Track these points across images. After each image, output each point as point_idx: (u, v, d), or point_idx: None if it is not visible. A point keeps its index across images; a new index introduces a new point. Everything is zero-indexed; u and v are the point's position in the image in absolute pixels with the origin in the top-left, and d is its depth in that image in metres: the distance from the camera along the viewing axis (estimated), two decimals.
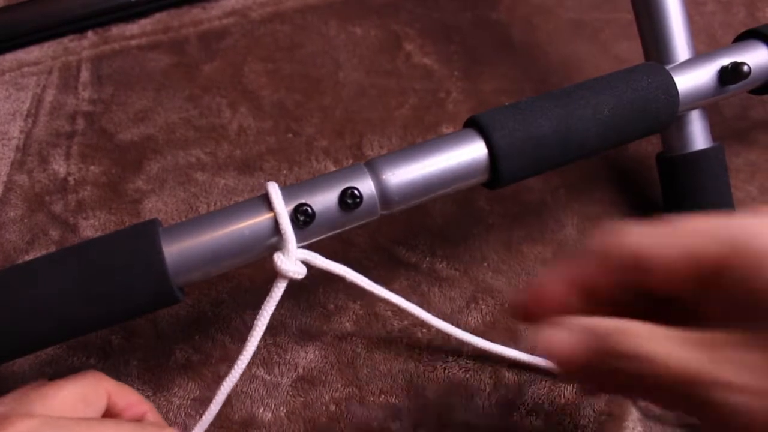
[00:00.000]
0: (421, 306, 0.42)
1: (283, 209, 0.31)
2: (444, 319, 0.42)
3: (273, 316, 0.41)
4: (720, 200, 0.42)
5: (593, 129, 0.35)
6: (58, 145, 0.50)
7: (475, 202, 0.47)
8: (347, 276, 0.35)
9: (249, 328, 0.41)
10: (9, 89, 0.53)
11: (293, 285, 0.43)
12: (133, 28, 0.57)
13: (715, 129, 0.43)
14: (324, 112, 0.51)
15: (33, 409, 0.27)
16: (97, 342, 0.41)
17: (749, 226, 0.23)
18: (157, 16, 0.58)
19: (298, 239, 0.32)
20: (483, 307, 0.42)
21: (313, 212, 0.32)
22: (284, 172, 0.48)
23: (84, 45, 0.56)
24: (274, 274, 0.43)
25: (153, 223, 0.32)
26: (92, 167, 0.48)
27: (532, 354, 0.39)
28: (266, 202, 0.32)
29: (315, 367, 0.40)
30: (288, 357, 0.40)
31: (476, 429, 0.38)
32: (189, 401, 0.39)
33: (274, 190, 0.32)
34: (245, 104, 0.52)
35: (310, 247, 0.34)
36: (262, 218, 0.32)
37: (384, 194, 0.33)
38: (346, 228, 0.33)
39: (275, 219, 0.31)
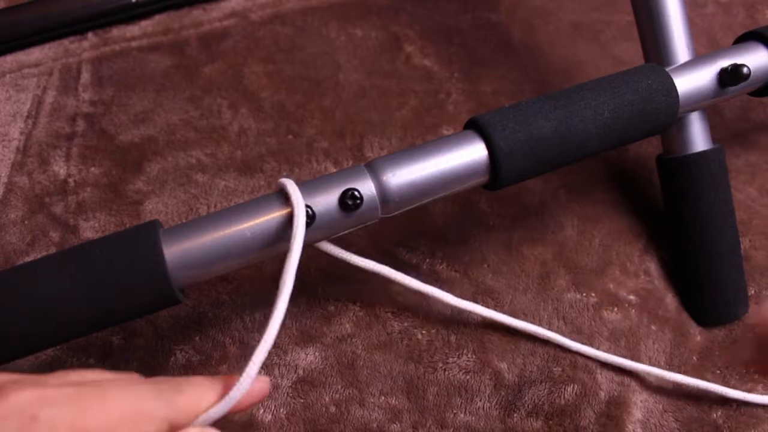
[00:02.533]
0: (421, 306, 0.42)
1: (299, 197, 0.31)
2: (445, 321, 0.42)
3: None
4: (720, 201, 0.42)
5: (593, 130, 0.35)
6: (58, 147, 0.50)
7: (476, 203, 0.47)
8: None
9: (249, 329, 0.41)
10: (9, 91, 0.53)
11: (293, 286, 0.43)
12: (133, 29, 0.57)
13: (715, 130, 0.43)
14: (324, 113, 0.51)
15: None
16: (98, 342, 0.41)
17: None
18: (158, 17, 0.58)
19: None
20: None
21: (314, 214, 0.32)
22: (284, 173, 0.48)
23: (84, 46, 0.56)
24: (273, 276, 0.43)
25: (153, 225, 0.32)
26: (92, 168, 0.48)
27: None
28: (267, 202, 0.32)
29: (315, 368, 0.40)
30: (288, 358, 0.40)
31: (476, 430, 0.38)
32: None
33: (291, 186, 0.32)
34: (246, 105, 0.52)
35: (308, 252, 0.34)
36: (263, 219, 0.32)
37: (385, 196, 0.33)
38: (347, 230, 0.33)
39: (276, 219, 0.31)
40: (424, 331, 0.41)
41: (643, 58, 0.44)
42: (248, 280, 0.43)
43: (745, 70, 0.38)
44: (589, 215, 0.46)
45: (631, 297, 0.43)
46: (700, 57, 0.40)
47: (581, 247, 0.45)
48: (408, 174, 0.33)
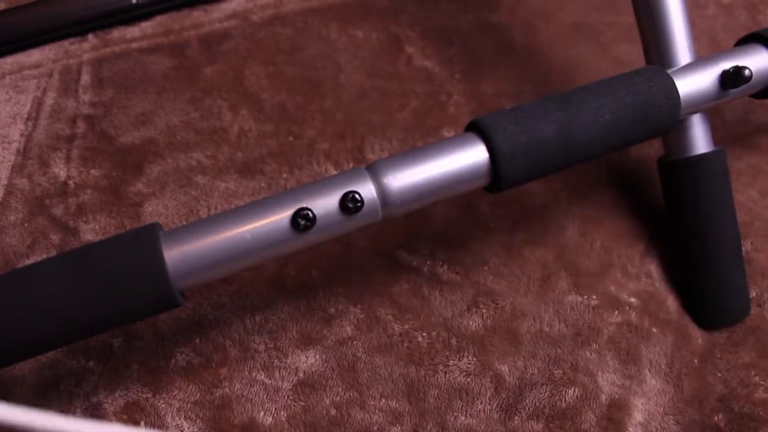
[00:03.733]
0: (422, 309, 0.42)
1: None
2: (445, 323, 0.42)
3: (273, 321, 0.42)
4: (721, 203, 0.42)
5: (595, 132, 0.35)
6: (58, 149, 0.50)
7: (477, 205, 0.47)
8: None
9: (249, 332, 0.41)
10: (9, 92, 0.53)
11: (293, 289, 0.43)
12: (134, 30, 0.57)
13: (716, 133, 0.43)
14: (325, 114, 0.51)
15: None
16: (98, 345, 0.41)
17: None
18: (158, 18, 0.58)
19: (299, 244, 0.32)
20: (484, 311, 0.42)
21: (314, 216, 0.32)
22: (285, 175, 0.48)
23: (85, 48, 0.56)
24: (274, 278, 0.43)
25: (153, 227, 0.32)
26: (93, 170, 0.48)
27: None
28: (268, 204, 0.32)
29: (315, 371, 0.40)
30: (288, 361, 0.40)
31: None
32: (189, 404, 0.39)
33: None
34: (246, 107, 0.52)
35: (309, 255, 0.34)
36: (264, 222, 0.32)
37: (385, 198, 0.33)
38: (348, 232, 0.33)
39: (277, 223, 0.31)
40: (424, 334, 0.41)
41: (644, 59, 0.44)
42: (249, 283, 0.43)
43: (746, 72, 0.38)
44: (590, 217, 0.46)
45: (632, 299, 0.43)
46: (701, 59, 0.40)
47: (582, 249, 0.45)
48: (409, 176, 0.33)
